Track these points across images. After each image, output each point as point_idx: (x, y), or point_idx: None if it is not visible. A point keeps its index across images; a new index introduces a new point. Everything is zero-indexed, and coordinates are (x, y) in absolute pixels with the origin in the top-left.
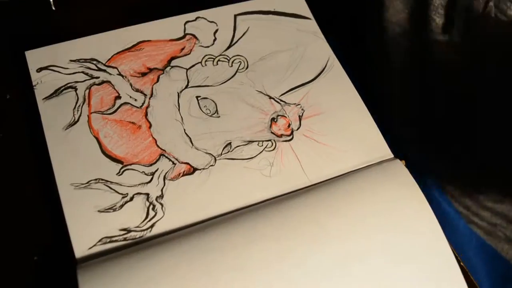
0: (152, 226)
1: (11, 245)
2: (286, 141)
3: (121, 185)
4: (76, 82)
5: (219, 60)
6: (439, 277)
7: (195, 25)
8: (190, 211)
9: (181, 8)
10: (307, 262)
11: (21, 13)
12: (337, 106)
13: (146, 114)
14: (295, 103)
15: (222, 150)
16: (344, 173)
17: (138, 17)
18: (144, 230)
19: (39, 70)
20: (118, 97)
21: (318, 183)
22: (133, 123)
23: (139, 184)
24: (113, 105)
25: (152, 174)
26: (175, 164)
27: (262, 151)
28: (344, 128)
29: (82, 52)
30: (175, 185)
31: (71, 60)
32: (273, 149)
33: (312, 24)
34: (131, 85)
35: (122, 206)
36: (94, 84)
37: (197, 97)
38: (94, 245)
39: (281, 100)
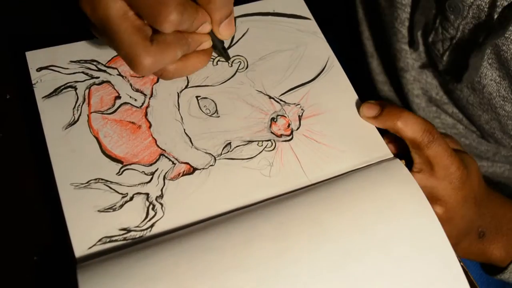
0: (152, 226)
1: (11, 245)
2: (285, 141)
3: (121, 185)
4: (76, 81)
5: (219, 60)
6: (440, 277)
7: None
8: (189, 211)
9: None
10: (307, 261)
11: (21, 14)
12: (337, 106)
13: (146, 114)
14: (295, 103)
15: (222, 150)
16: (344, 173)
17: None
18: (144, 230)
19: (39, 69)
20: (118, 97)
21: (318, 182)
22: (133, 123)
23: (139, 184)
24: (113, 105)
25: (152, 174)
26: (175, 164)
27: (261, 151)
28: (344, 128)
29: (82, 54)
30: (175, 185)
31: (71, 61)
32: (273, 149)
33: (312, 24)
34: (131, 85)
35: (122, 206)
36: (94, 84)
37: (197, 97)
38: (94, 244)
39: (281, 100)
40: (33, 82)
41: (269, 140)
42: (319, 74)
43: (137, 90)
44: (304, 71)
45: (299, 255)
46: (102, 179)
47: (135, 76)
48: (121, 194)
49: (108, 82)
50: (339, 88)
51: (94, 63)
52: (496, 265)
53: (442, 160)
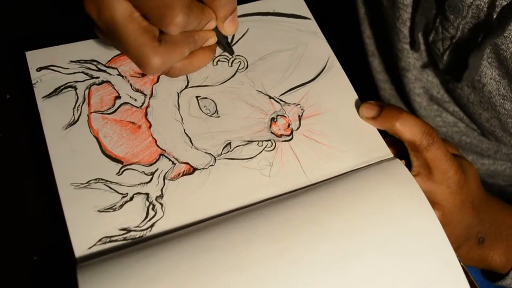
0: (152, 225)
1: (11, 245)
2: (285, 141)
3: (121, 185)
4: (76, 81)
5: (219, 60)
6: (440, 277)
7: None
8: (189, 211)
9: None
10: (307, 261)
11: (21, 14)
12: (337, 106)
13: (146, 114)
14: (295, 103)
15: (222, 150)
16: (344, 173)
17: None
18: (144, 229)
19: (39, 69)
20: (118, 97)
21: (318, 182)
22: (133, 123)
23: (139, 184)
24: (113, 105)
25: (152, 174)
26: (175, 164)
27: (261, 151)
28: (344, 128)
29: (82, 54)
30: (175, 185)
31: (71, 61)
32: (273, 149)
33: (312, 24)
34: (131, 85)
35: (122, 206)
36: (94, 84)
37: (197, 97)
38: (94, 244)
39: (281, 100)
40: (33, 82)
41: (269, 140)
42: (319, 74)
43: (137, 90)
44: (304, 71)
45: (299, 255)
46: (102, 179)
47: (135, 76)
48: (121, 194)
49: (108, 82)
50: (339, 88)
51: (94, 63)
52: (496, 271)
53: (440, 163)
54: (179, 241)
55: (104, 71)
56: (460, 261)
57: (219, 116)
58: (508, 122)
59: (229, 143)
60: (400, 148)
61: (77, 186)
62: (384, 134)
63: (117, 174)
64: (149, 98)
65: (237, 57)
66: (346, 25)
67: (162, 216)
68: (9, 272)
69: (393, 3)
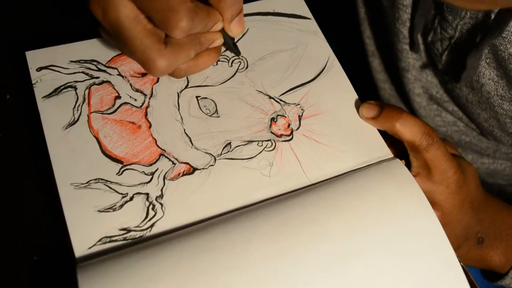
0: (152, 225)
1: (11, 245)
2: (285, 141)
3: (121, 185)
4: (76, 81)
5: (219, 60)
6: (440, 277)
7: None
8: (189, 211)
9: None
10: (306, 261)
11: (21, 14)
12: (336, 106)
13: (146, 114)
14: (295, 103)
15: (222, 150)
16: (344, 173)
17: None
18: (144, 229)
19: (39, 69)
20: (118, 97)
21: (318, 182)
22: (133, 123)
23: (139, 184)
24: (113, 105)
25: (152, 174)
26: (175, 164)
27: (261, 151)
28: (344, 128)
29: (82, 54)
30: (175, 185)
31: (71, 61)
32: (273, 149)
33: (312, 24)
34: (131, 85)
35: (122, 206)
36: (94, 84)
37: (197, 97)
38: (94, 244)
39: (281, 100)
40: (33, 82)
41: (269, 140)
42: (319, 74)
43: (137, 90)
44: (304, 71)
45: (298, 255)
46: (102, 179)
47: (135, 76)
48: (121, 194)
49: (108, 82)
50: (339, 88)
51: (94, 63)
52: (496, 271)
53: (440, 164)
54: (179, 241)
55: (104, 71)
56: (460, 261)
57: (219, 116)
58: (506, 122)
59: (229, 143)
60: (400, 148)
61: (77, 186)
62: (384, 134)
63: (117, 174)
64: (149, 98)
65: (237, 57)
66: (346, 25)
67: (162, 216)
68: (9, 272)
69: (393, 3)
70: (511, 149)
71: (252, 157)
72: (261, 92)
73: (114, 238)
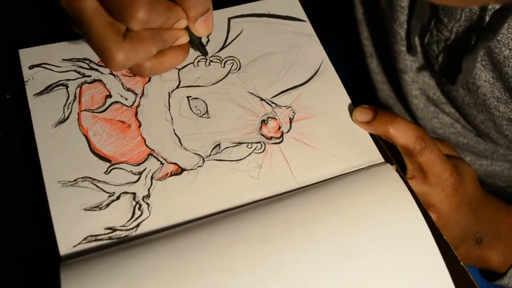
0: (137, 225)
1: None
2: (275, 143)
3: (108, 183)
4: (68, 80)
5: (211, 61)
6: (427, 278)
7: None
8: (176, 212)
9: None
10: (293, 264)
11: (22, 15)
12: (328, 110)
13: (136, 114)
14: (286, 106)
15: (211, 151)
16: (334, 177)
17: None
18: (129, 229)
19: (31, 67)
20: (109, 95)
21: (307, 186)
22: (122, 122)
23: (126, 183)
24: (104, 104)
25: (140, 173)
26: (163, 164)
27: (251, 153)
28: (335, 132)
29: (75, 52)
30: (162, 185)
31: (63, 59)
32: (262, 151)
33: (307, 27)
34: (122, 84)
35: (108, 205)
36: (85, 82)
37: (188, 97)
38: (79, 243)
39: (273, 102)
40: (25, 79)
41: (259, 142)
42: (312, 77)
43: (128, 89)
44: (297, 74)
45: (285, 258)
46: (89, 178)
47: (127, 75)
48: (108, 193)
49: (99, 80)
50: (331, 91)
51: (86, 61)
52: (495, 271)
53: (434, 167)
54: (164, 242)
55: (96, 69)
56: (459, 261)
57: (209, 117)
58: (502, 124)
59: (219, 144)
60: (395, 151)
61: (64, 184)
62: (377, 137)
63: (105, 173)
64: (140, 98)
65: (230, 58)
66: (344, 26)
67: (148, 216)
68: None
69: (390, 5)
70: (509, 150)
71: (241, 159)
72: (252, 93)
73: (99, 237)
